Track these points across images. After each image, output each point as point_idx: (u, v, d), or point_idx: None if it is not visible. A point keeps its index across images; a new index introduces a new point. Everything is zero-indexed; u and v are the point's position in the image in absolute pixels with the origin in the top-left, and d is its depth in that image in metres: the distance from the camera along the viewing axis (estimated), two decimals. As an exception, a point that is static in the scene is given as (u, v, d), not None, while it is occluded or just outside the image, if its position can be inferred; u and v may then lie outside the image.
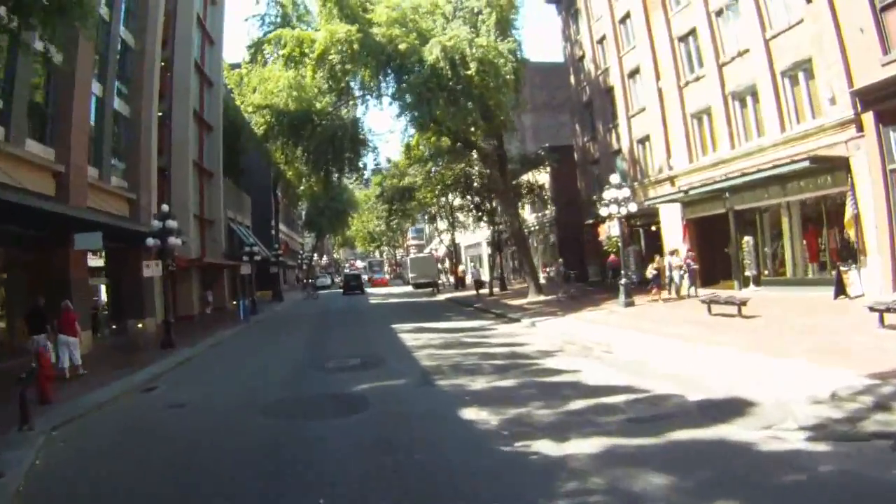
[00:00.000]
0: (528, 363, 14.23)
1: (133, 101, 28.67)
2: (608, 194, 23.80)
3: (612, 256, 33.11)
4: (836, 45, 19.29)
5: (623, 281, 23.67)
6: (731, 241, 25.16)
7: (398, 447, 8.09)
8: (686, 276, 23.77)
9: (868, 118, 18.50)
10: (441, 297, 46.00)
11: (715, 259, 26.36)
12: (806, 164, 19.21)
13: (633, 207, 23.90)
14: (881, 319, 13.48)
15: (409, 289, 62.40)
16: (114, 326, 26.87)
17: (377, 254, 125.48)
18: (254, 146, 39.38)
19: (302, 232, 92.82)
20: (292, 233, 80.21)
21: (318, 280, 71.27)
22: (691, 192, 24.70)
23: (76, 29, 12.48)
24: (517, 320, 24.09)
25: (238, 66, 39.26)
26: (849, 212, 19.30)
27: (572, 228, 41.14)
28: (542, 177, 43.42)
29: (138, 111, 28.72)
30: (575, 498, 6.06)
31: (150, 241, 21.18)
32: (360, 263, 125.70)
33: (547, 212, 45.98)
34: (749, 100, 24.29)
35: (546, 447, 7.66)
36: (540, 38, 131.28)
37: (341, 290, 63.93)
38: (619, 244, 24.37)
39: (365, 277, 74.91)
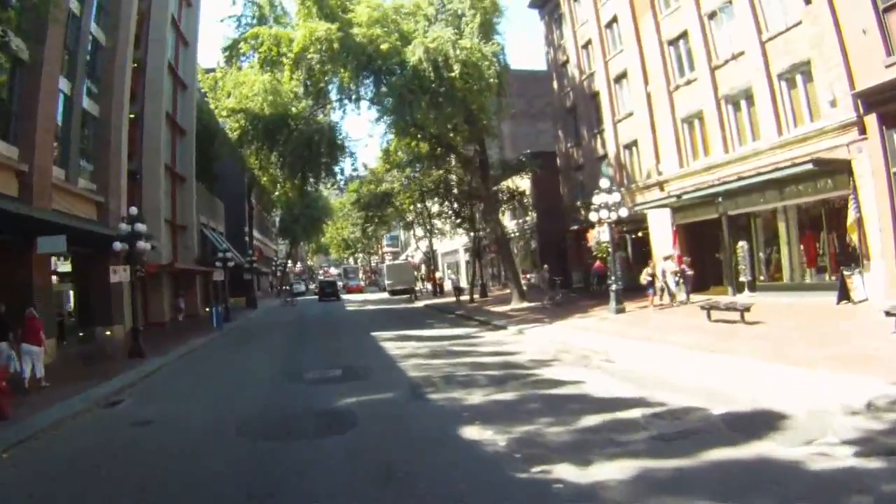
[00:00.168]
0: (524, 373, 13.26)
1: (103, 100, 27.32)
2: (598, 199, 23.01)
3: (597, 263, 32.42)
4: (837, 46, 18.81)
5: (614, 287, 22.85)
6: (723, 246, 24.52)
7: (397, 475, 7.04)
8: (681, 282, 22.95)
9: (871, 120, 17.99)
10: (419, 303, 45.05)
11: (705, 265, 25.64)
12: (809, 166, 18.58)
13: (623, 212, 23.11)
14: (898, 325, 12.70)
15: (386, 296, 61.17)
16: (81, 334, 25.46)
17: (351, 261, 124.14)
18: (228, 151, 38.49)
19: (276, 239, 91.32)
20: (266, 239, 78.76)
21: (292, 287, 69.82)
22: (684, 197, 23.98)
23: (44, 19, 11.31)
24: (503, 327, 23.21)
25: (213, 70, 38.44)
26: (851, 215, 18.67)
27: (553, 235, 40.47)
28: (523, 183, 42.71)
29: (108, 111, 27.37)
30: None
31: (118, 246, 19.91)
32: (333, 270, 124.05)
33: (528, 218, 45.29)
34: (743, 103, 23.66)
35: (568, 473, 6.69)
36: (518, 46, 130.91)
37: (316, 297, 62.68)
38: (609, 250, 23.53)
39: (340, 284, 73.57)
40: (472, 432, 8.67)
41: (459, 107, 27.34)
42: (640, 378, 11.82)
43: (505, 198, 40.64)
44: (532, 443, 8.01)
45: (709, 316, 17.97)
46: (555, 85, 40.59)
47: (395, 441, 8.55)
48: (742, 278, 22.88)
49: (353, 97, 31.13)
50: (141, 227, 20.09)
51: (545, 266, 30.92)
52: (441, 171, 41.67)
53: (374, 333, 24.24)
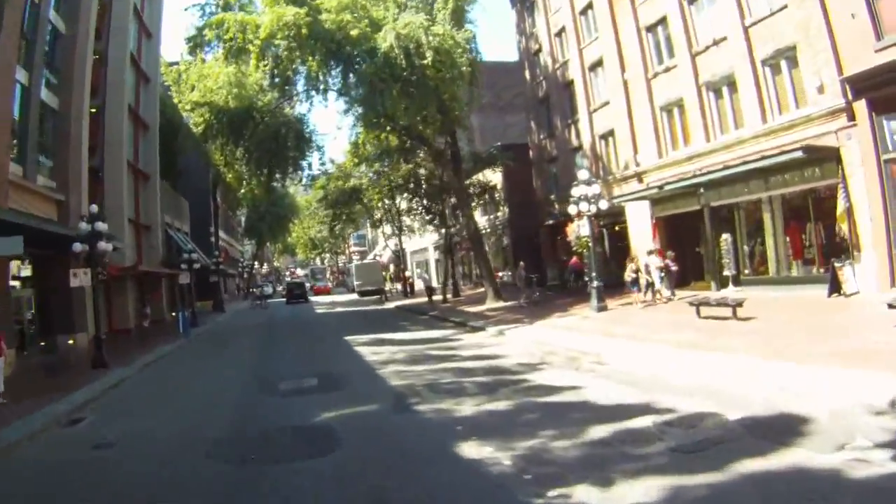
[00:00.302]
0: (514, 379, 12.35)
1: (63, 92, 25.90)
2: (577, 191, 22.20)
3: (573, 259, 31.66)
4: (825, 31, 18.39)
5: (595, 284, 22.08)
6: (705, 239, 23.94)
7: (395, 506, 6.08)
8: (665, 277, 22.21)
9: (860, 106, 17.54)
10: (390, 305, 43.89)
11: (685, 259, 25.00)
12: (799, 154, 17.97)
13: (604, 205, 22.36)
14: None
15: (355, 297, 59.86)
16: (42, 343, 24.02)
17: (318, 261, 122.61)
18: (192, 146, 37.19)
19: (242, 239, 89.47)
20: (232, 240, 76.99)
21: (258, 289, 68.32)
22: (666, 188, 23.30)
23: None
24: (482, 329, 22.32)
25: (176, 64, 37.05)
26: (841, 205, 18.16)
27: (526, 230, 39.67)
28: (494, 178, 41.91)
29: (69, 104, 25.97)
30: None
31: (78, 247, 18.54)
32: (300, 271, 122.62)
33: (499, 214, 44.44)
34: (725, 90, 23.02)
35: (591, 496, 5.87)
36: (486, 36, 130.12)
37: (283, 299, 61.27)
38: (590, 244, 22.74)
39: (307, 285, 72.12)
40: (470, 449, 7.75)
41: (432, 96, 26.38)
42: (640, 381, 11.07)
43: (477, 192, 39.78)
44: (540, 460, 7.14)
45: (698, 312, 17.31)
46: (527, 74, 39.68)
47: (386, 463, 7.57)
48: (726, 272, 22.26)
49: (321, 88, 30.17)
50: (102, 226, 18.80)
51: (521, 263, 30.05)
52: (410, 166, 40.74)
53: (347, 338, 23.18)
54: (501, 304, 30.08)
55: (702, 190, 22.97)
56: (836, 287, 18.06)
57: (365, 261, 76.98)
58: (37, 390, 14.81)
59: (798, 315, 16.14)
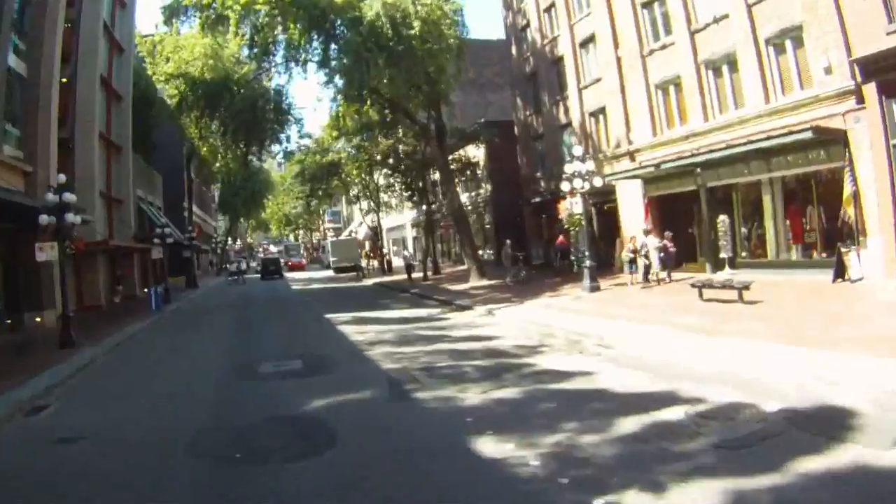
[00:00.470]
0: (516, 363, 11.53)
1: (32, 59, 24.34)
2: (570, 167, 21.42)
3: (559, 238, 30.94)
4: (834, 11, 17.79)
5: (588, 263, 21.37)
6: (701, 220, 23.34)
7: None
8: (663, 258, 21.49)
9: (870, 89, 16.97)
10: (368, 282, 42.86)
11: (678, 240, 24.20)
12: (808, 134, 17.38)
13: (598, 182, 21.64)
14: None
15: (330, 273, 58.42)
16: (8, 321, 22.71)
17: (292, 238, 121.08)
18: (166, 118, 35.79)
19: (215, 214, 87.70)
20: (206, 215, 75.18)
21: (232, 265, 66.94)
22: (663, 167, 22.55)
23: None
24: (469, 308, 21.54)
25: (151, 36, 35.71)
26: (847, 189, 17.57)
27: (509, 208, 38.82)
28: (476, 154, 41.03)
29: (38, 71, 24.38)
30: None
31: (44, 219, 17.27)
32: (273, 248, 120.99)
33: (481, 191, 43.54)
34: (725, 69, 22.25)
35: (645, 504, 5.06)
36: (468, 14, 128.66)
37: (258, 275, 59.92)
38: (583, 223, 22.00)
39: (282, 261, 70.73)
40: (488, 446, 6.90)
41: (419, 67, 25.42)
42: (655, 367, 10.33)
43: (459, 168, 38.89)
44: (572, 460, 6.33)
45: (700, 294, 16.60)
46: (513, 50, 38.59)
47: (392, 463, 6.67)
48: (722, 254, 21.60)
49: (301, 59, 29.02)
50: (70, 197, 17.50)
51: (508, 241, 29.28)
52: (391, 141, 39.72)
53: (328, 315, 22.27)
54: (486, 282, 29.34)
55: (699, 170, 22.30)
56: (840, 272, 17.51)
57: (341, 237, 75.82)
58: (0, 373, 13.67)
59: (806, 300, 15.57)
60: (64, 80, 28.13)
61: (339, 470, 6.58)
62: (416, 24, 24.01)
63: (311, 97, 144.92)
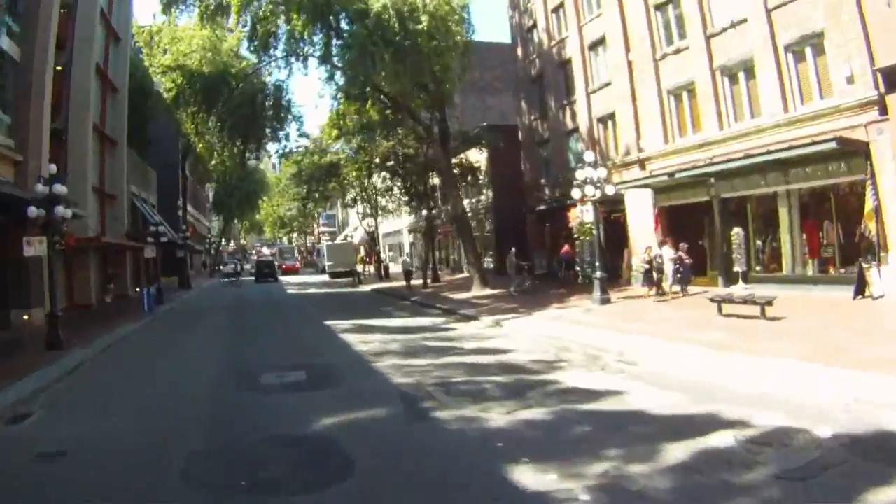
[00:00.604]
0: (538, 380, 10.86)
1: (25, 43, 23.61)
2: (581, 174, 20.74)
3: (565, 247, 30.27)
4: (857, 18, 17.15)
5: (598, 274, 20.73)
6: (712, 232, 22.72)
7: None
8: (679, 270, 20.78)
9: (893, 100, 16.37)
10: (366, 288, 41.98)
11: (689, 252, 23.66)
12: (832, 145, 16.71)
13: (610, 190, 20.98)
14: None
15: (325, 278, 57.50)
16: (-6, 319, 21.91)
17: (286, 240, 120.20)
18: (162, 112, 35.02)
19: (209, 214, 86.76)
20: (200, 215, 74.22)
21: (227, 266, 66.02)
22: (678, 176, 21.85)
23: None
24: (475, 318, 20.84)
25: (149, 27, 34.96)
26: (869, 203, 16.98)
27: (511, 215, 37.94)
28: (477, 159, 40.33)
29: (31, 55, 23.65)
30: None
31: (33, 211, 16.51)
32: (266, 250, 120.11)
33: (482, 197, 42.79)
34: (742, 76, 21.58)
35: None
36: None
37: (251, 278, 59.07)
38: (594, 231, 21.35)
39: (276, 264, 69.82)
40: (527, 476, 6.24)
41: (425, 64, 24.77)
42: (688, 387, 9.76)
43: (462, 172, 38.14)
44: (624, 493, 5.75)
45: (719, 309, 16.02)
46: (518, 52, 37.73)
47: (422, 498, 5.98)
48: (736, 268, 20.89)
49: (302, 54, 28.46)
50: (61, 189, 16.75)
51: (513, 249, 28.57)
52: (392, 143, 38.98)
53: (328, 322, 21.53)
54: (489, 291, 28.63)
55: (712, 180, 21.65)
56: (860, 289, 16.90)
57: (338, 241, 75.01)
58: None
59: (830, 317, 14.92)
60: (59, 67, 27.36)
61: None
62: (424, 18, 23.51)
63: (311, 96, 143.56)
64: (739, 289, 19.60)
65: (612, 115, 28.55)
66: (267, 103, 31.57)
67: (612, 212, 27.77)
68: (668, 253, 20.60)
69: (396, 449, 7.49)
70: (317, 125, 52.83)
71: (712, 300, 16.43)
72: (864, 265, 16.85)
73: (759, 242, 21.54)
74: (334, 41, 27.21)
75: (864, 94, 17.14)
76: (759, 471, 6.09)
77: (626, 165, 26.56)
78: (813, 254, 19.68)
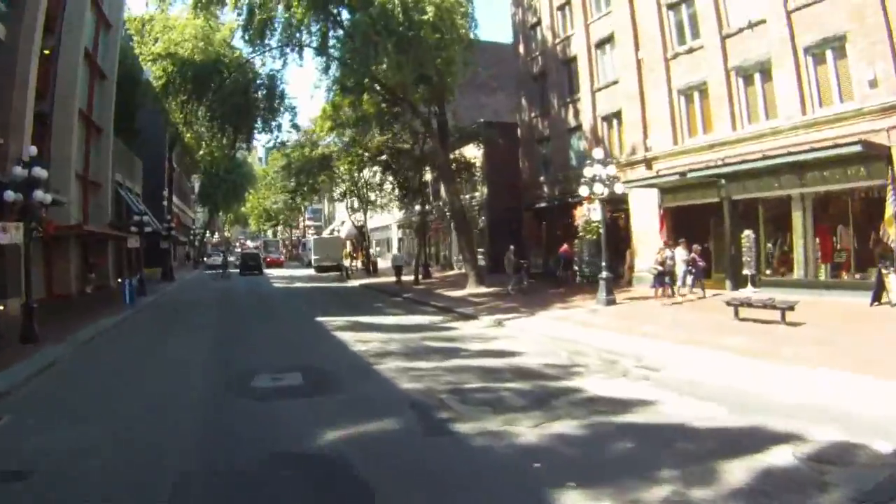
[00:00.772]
0: (557, 387, 10.08)
1: (12, 22, 22.47)
2: (589, 171, 20.11)
3: (563, 246, 29.53)
4: (883, 21, 16.71)
5: (604, 274, 20.04)
6: (721, 234, 22.06)
7: None
8: (692, 272, 20.09)
9: (919, 105, 15.79)
10: (354, 283, 41.16)
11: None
12: (857, 148, 16.15)
13: (619, 188, 20.29)
14: None
15: (311, 272, 56.63)
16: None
17: (270, 233, 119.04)
18: (151, 101, 33.93)
19: (194, 206, 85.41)
20: (185, 206, 72.91)
21: (213, 258, 64.76)
22: (689, 176, 21.14)
23: None
24: (473, 317, 20.11)
25: (142, 16, 33.98)
26: (890, 208, 16.44)
27: (506, 213, 37.33)
28: (473, 156, 39.58)
29: (17, 35, 22.50)
30: None
31: (10, 195, 15.45)
32: (250, 243, 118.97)
33: (476, 194, 42.01)
34: (757, 77, 20.98)
35: None
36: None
37: (236, 270, 57.95)
38: (601, 230, 20.64)
39: (261, 257, 68.70)
40: (581, 506, 5.42)
41: (428, 56, 23.97)
42: (722, 396, 9.11)
43: (457, 168, 37.36)
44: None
45: (736, 313, 15.41)
46: (521, 49, 37.01)
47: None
48: (745, 271, 20.28)
49: (298, 44, 27.77)
50: (40, 172, 15.70)
51: (511, 247, 27.79)
52: (387, 136, 38.14)
53: (320, 319, 20.65)
54: (484, 289, 27.87)
55: (723, 181, 21.05)
56: (878, 295, 16.35)
57: (325, 235, 74.02)
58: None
59: (851, 323, 14.41)
60: (46, 51, 26.30)
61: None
62: (430, 9, 22.79)
63: (303, 90, 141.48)
64: (749, 292, 19.09)
65: (617, 114, 27.87)
66: (260, 93, 31.02)
67: (614, 211, 27.03)
68: (681, 254, 19.91)
69: (419, 471, 6.54)
70: (308, 118, 51.65)
71: (728, 303, 15.81)
72: (884, 271, 16.27)
73: (769, 245, 20.95)
74: (332, 32, 26.67)
75: (888, 97, 16.71)
76: (833, 493, 5.50)
77: (631, 165, 25.83)
78: (825, 258, 19.14)
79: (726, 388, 9.53)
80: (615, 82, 27.77)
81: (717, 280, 22.00)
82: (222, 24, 30.65)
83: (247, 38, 27.19)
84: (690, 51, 23.34)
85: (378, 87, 28.86)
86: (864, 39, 17.37)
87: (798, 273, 19.54)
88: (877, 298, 16.33)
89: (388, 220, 59.32)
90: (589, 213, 21.92)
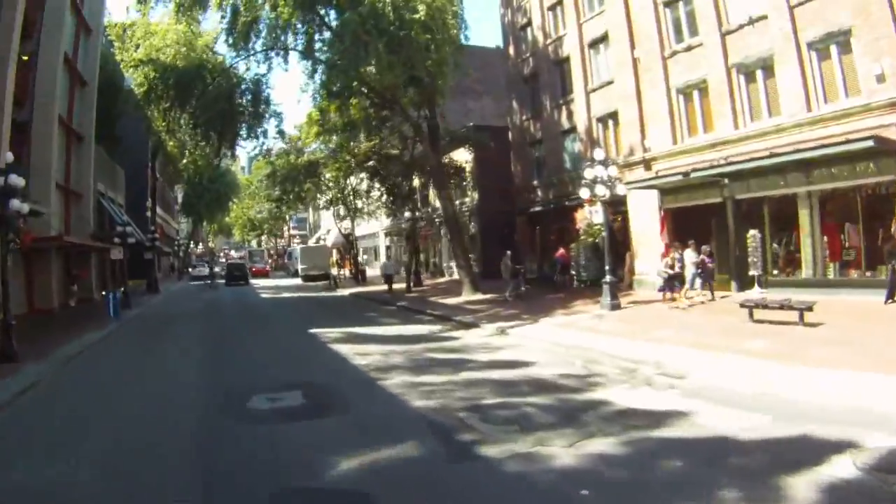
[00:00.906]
0: (582, 400, 9.45)
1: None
2: (590, 173, 19.58)
3: (559, 251, 28.98)
4: (889, 14, 16.43)
5: (608, 279, 19.49)
6: (725, 235, 21.59)
7: None
8: (700, 275, 19.55)
9: (928, 100, 15.43)
10: (344, 292, 40.41)
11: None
12: (869, 143, 15.69)
13: (621, 190, 19.78)
14: None
15: (298, 281, 55.87)
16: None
17: (255, 243, 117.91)
18: (133, 108, 33.05)
19: (178, 216, 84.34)
20: (168, 216, 71.88)
21: (198, 269, 63.73)
22: (693, 176, 20.58)
23: None
24: (475, 325, 19.42)
25: (123, 22, 33.30)
26: (901, 205, 16.03)
27: (498, 218, 36.87)
28: (462, 157, 39.01)
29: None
30: None
31: (-14, 206, 14.75)
32: (234, 253, 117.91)
33: (466, 200, 41.42)
34: (759, 74, 20.54)
35: None
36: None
37: (222, 281, 57.01)
38: (604, 233, 20.11)
39: (247, 266, 67.79)
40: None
41: (419, 56, 23.40)
42: (758, 404, 8.62)
43: (452, 172, 36.76)
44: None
45: (751, 315, 14.91)
46: (511, 51, 36.42)
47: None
48: (751, 272, 19.79)
49: (283, 49, 27.33)
50: (16, 180, 14.83)
51: (508, 252, 27.17)
52: (375, 141, 37.48)
53: (313, 330, 19.84)
54: (481, 296, 27.20)
55: (726, 181, 20.58)
56: (892, 292, 15.96)
57: (310, 244, 73.16)
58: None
59: (869, 322, 13.92)
60: (25, 57, 25.50)
61: None
62: (422, 8, 22.23)
63: (289, 96, 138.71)
64: (756, 293, 18.65)
65: (613, 115, 27.37)
66: (245, 98, 30.40)
67: (612, 213, 26.51)
68: (689, 256, 19.36)
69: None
70: (294, 126, 51.04)
71: (742, 305, 15.35)
72: (896, 268, 15.88)
73: (775, 245, 20.52)
74: (318, 34, 26.31)
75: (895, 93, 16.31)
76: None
77: (629, 166, 25.29)
78: (834, 257, 18.75)
79: (761, 396, 9.03)
80: (610, 82, 27.27)
81: (720, 282, 21.45)
82: (205, 29, 30.20)
83: (230, 41, 26.58)
84: (689, 48, 22.87)
85: (366, 91, 28.25)
86: (869, 34, 17.02)
87: (806, 272, 19.11)
88: (891, 296, 15.94)
89: (375, 227, 58.69)
90: (591, 216, 21.35)
